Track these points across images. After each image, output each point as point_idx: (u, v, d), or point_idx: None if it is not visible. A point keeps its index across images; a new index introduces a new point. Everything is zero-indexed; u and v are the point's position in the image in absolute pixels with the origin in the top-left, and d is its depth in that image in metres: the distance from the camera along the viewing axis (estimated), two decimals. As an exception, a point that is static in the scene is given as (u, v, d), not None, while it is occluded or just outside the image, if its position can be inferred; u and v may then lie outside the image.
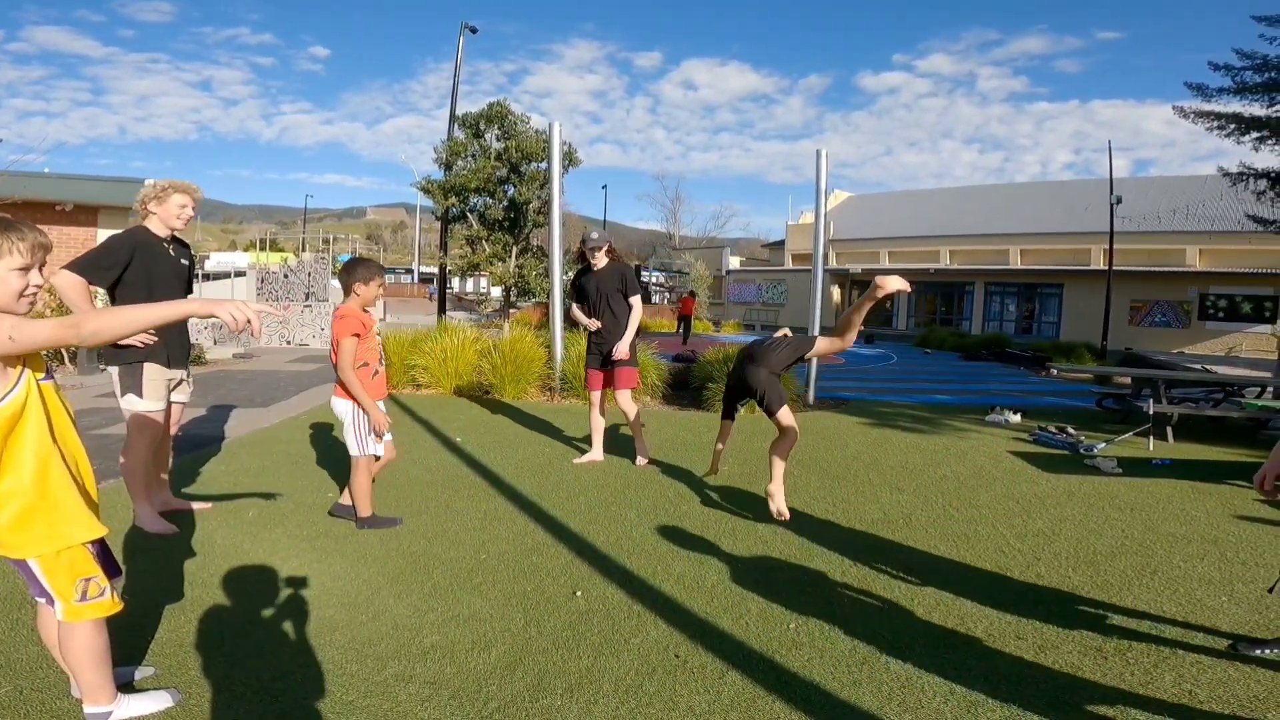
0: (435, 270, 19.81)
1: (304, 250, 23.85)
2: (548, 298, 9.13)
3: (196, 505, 3.80)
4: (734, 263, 42.93)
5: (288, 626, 2.55)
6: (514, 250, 12.29)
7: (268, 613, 2.65)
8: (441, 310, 13.69)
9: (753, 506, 4.14)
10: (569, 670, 2.31)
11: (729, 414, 4.09)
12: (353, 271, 3.41)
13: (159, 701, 2.00)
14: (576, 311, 5.16)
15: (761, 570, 3.17)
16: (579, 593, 2.89)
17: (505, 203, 12.73)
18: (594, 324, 5.01)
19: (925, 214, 37.24)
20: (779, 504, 3.63)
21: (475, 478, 4.67)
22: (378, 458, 3.57)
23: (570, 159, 12.42)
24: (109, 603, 1.82)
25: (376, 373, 3.47)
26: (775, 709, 2.10)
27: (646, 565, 3.21)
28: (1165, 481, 4.93)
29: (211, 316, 1.76)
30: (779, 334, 4.05)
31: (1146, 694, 2.18)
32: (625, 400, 5.00)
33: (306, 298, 14.92)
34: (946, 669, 2.32)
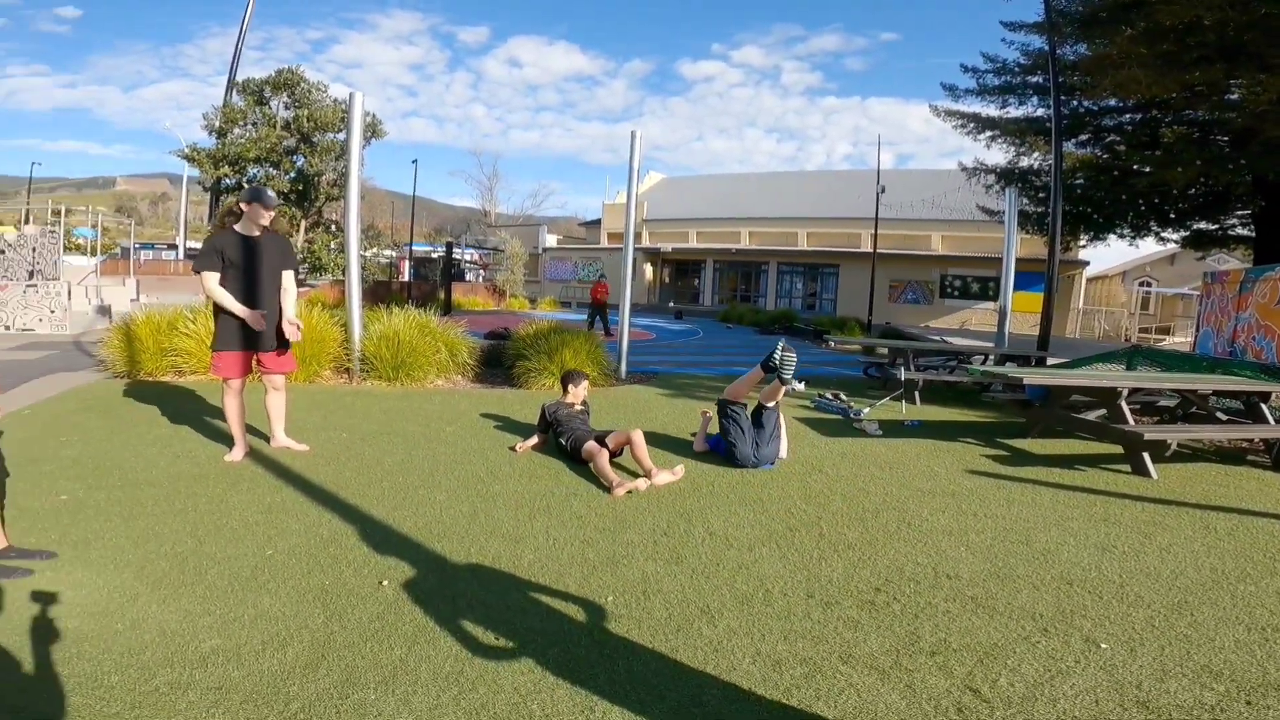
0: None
1: (27, 223, 19.94)
2: (344, 274, 8.43)
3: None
4: (550, 241, 42.70)
5: (15, 641, 2.15)
6: (303, 224, 11.19)
7: (-14, 642, 2.20)
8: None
9: (564, 482, 4.19)
10: (381, 662, 2.19)
11: None
12: None
13: None
14: (221, 289, 4.17)
15: (576, 545, 3.22)
16: (385, 582, 2.74)
17: (293, 174, 11.56)
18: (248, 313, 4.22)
19: (729, 197, 39.74)
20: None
21: (257, 469, 4.21)
22: None
23: (374, 131, 11.57)
24: None
25: None
26: (600, 681, 2.14)
27: (459, 548, 3.13)
28: (915, 441, 5.77)
29: None
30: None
31: (912, 643, 2.45)
32: (283, 385, 4.67)
33: (31, 276, 12.57)
34: (752, 630, 2.49)
